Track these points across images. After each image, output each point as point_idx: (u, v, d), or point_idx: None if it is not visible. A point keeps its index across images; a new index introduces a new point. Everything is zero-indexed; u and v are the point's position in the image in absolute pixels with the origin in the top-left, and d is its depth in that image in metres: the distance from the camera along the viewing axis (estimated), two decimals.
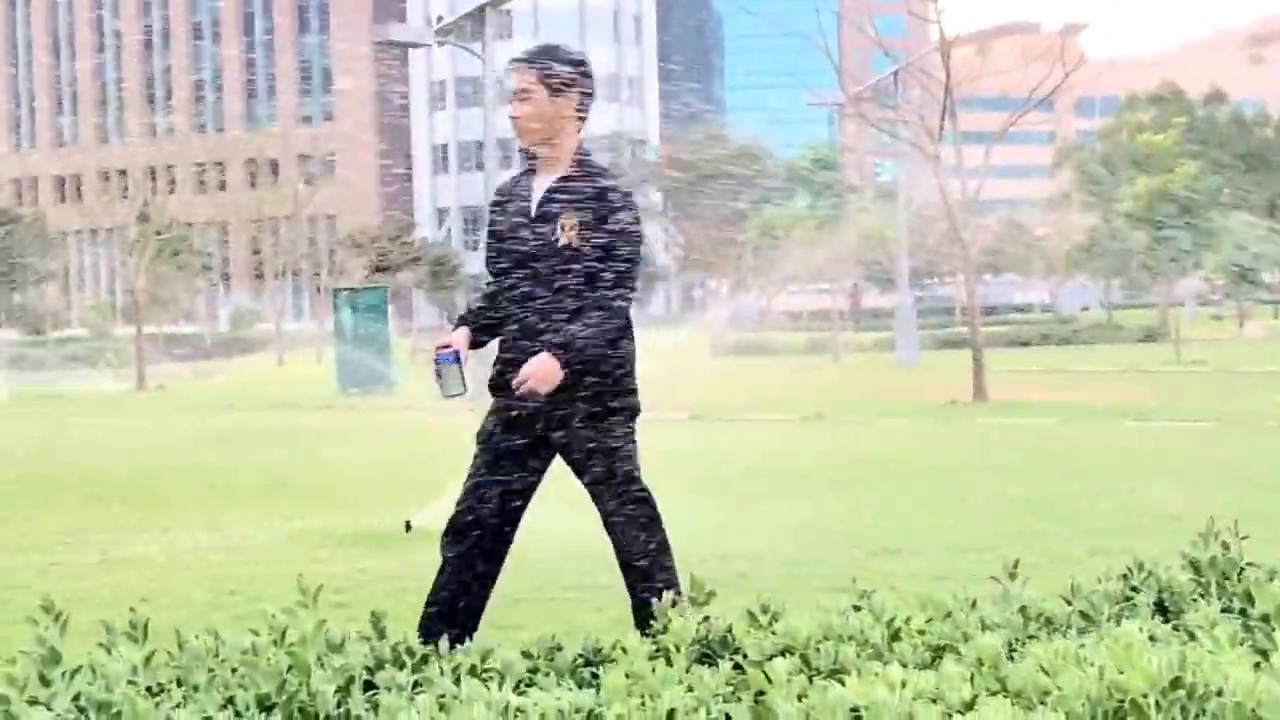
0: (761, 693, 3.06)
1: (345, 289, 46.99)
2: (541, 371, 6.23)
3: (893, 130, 42.85)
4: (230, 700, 3.02)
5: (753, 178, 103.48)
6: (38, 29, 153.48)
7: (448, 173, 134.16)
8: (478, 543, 6.50)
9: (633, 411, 6.52)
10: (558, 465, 6.62)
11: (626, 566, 6.48)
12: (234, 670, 3.13)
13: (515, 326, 6.48)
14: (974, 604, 3.95)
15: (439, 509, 13.08)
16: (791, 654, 3.34)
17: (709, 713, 2.91)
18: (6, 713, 2.77)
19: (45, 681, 2.97)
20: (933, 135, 32.09)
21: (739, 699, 3.08)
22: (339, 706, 2.93)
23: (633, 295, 6.44)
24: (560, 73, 6.49)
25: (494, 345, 6.79)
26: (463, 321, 6.69)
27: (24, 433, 27.55)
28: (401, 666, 3.26)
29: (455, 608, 6.43)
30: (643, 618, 6.04)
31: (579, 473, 6.50)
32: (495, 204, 6.73)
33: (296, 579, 3.51)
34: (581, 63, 6.59)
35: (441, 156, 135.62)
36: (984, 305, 36.40)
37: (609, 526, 6.50)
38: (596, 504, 6.49)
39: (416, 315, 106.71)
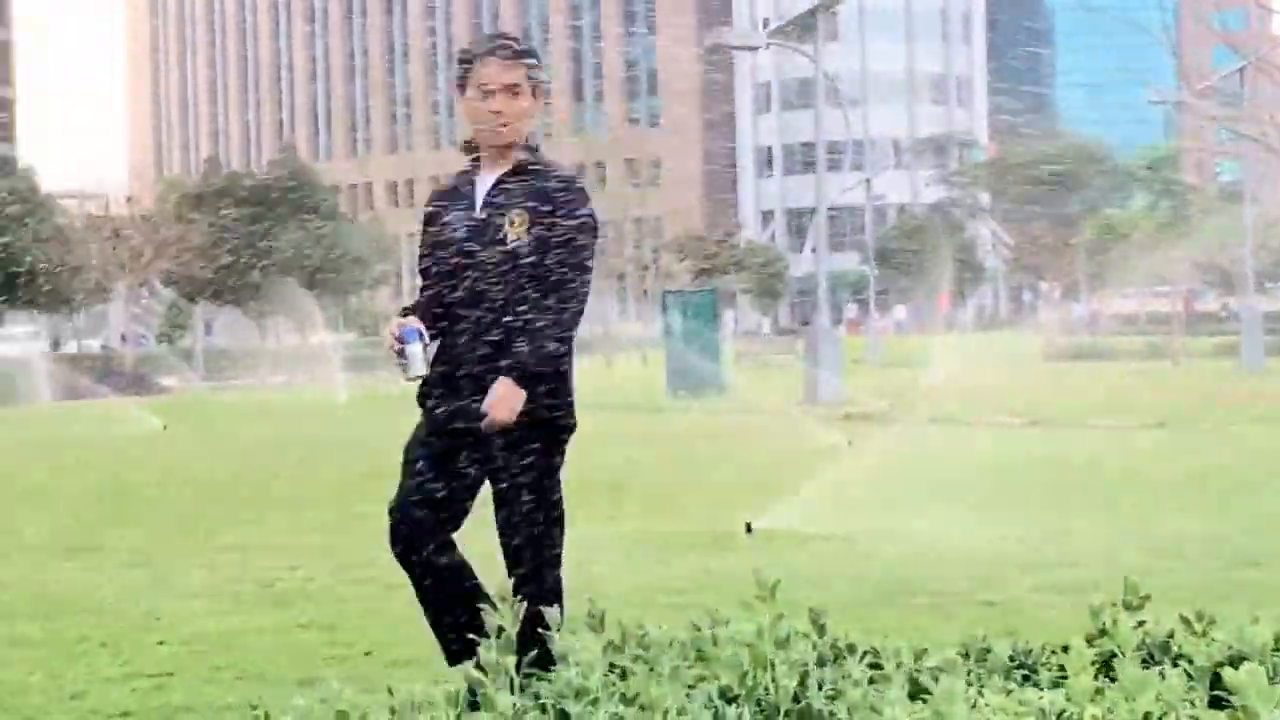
0: (1219, 700, 2.92)
1: (674, 291, 47.31)
2: (502, 401, 5.92)
3: (1236, 128, 41.49)
4: (689, 688, 2.99)
5: (1086, 178, 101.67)
6: (374, 42, 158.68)
7: (772, 175, 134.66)
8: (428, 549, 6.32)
9: (567, 427, 6.21)
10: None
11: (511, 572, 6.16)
12: (690, 662, 3.11)
13: (461, 330, 6.12)
14: None
15: (779, 511, 13.08)
16: (1247, 661, 3.18)
17: (1178, 718, 2.79)
18: (484, 695, 2.82)
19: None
20: None
21: (1193, 704, 2.95)
22: (796, 701, 2.88)
23: (585, 298, 6.05)
24: (541, 71, 6.28)
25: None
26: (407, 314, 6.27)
27: (365, 431, 28.25)
28: (843, 662, 3.19)
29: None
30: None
31: (493, 479, 6.20)
32: (433, 209, 6.34)
33: (753, 573, 3.44)
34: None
35: (766, 159, 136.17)
36: None
37: (507, 529, 6.26)
38: (502, 506, 6.23)
39: (740, 319, 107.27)
